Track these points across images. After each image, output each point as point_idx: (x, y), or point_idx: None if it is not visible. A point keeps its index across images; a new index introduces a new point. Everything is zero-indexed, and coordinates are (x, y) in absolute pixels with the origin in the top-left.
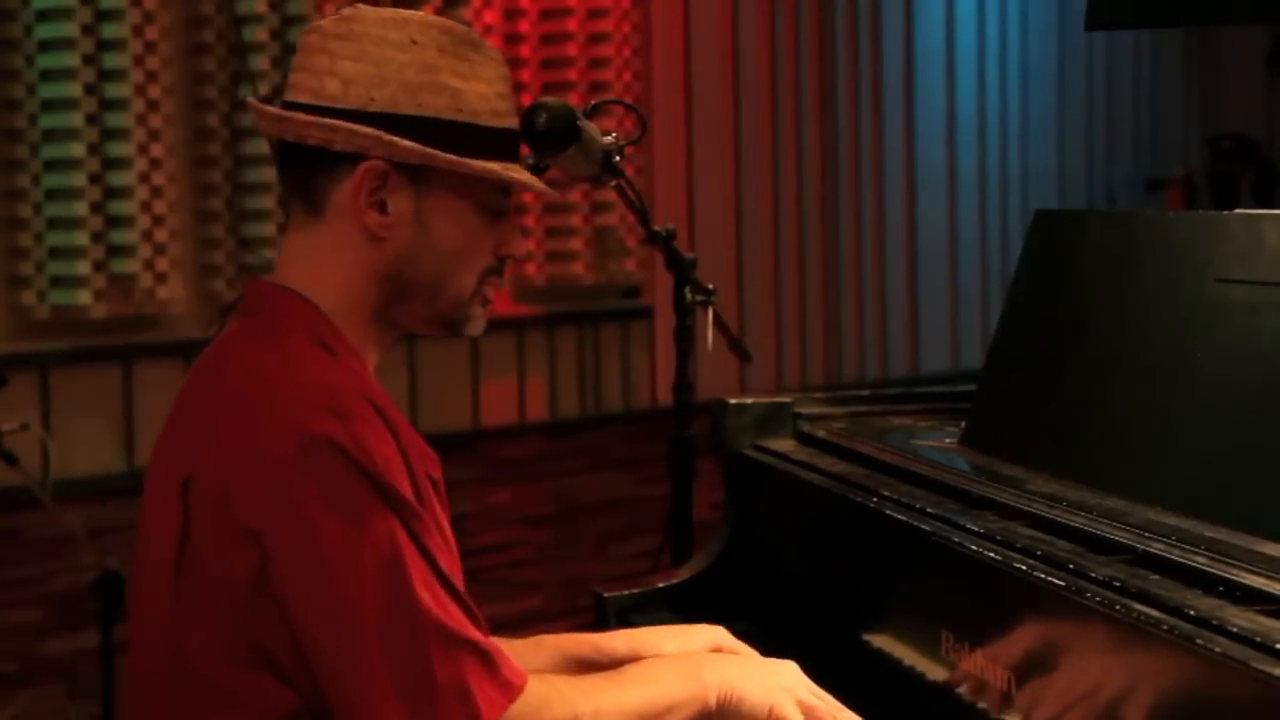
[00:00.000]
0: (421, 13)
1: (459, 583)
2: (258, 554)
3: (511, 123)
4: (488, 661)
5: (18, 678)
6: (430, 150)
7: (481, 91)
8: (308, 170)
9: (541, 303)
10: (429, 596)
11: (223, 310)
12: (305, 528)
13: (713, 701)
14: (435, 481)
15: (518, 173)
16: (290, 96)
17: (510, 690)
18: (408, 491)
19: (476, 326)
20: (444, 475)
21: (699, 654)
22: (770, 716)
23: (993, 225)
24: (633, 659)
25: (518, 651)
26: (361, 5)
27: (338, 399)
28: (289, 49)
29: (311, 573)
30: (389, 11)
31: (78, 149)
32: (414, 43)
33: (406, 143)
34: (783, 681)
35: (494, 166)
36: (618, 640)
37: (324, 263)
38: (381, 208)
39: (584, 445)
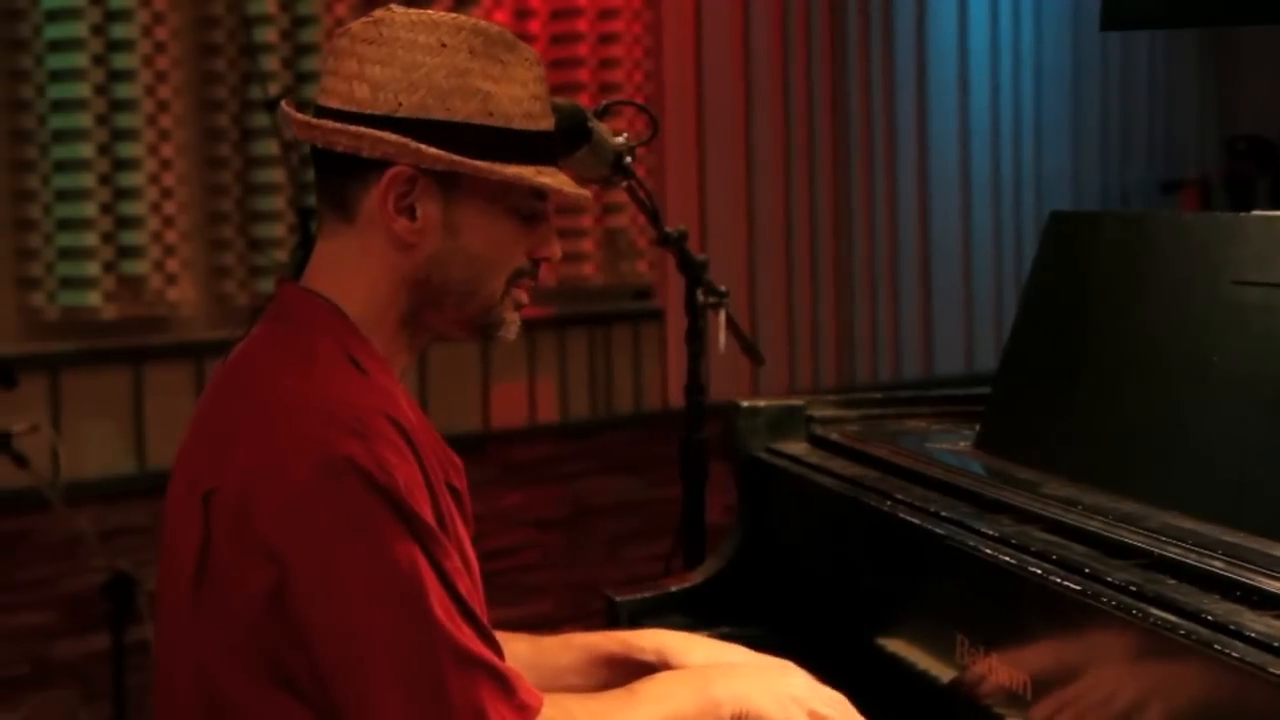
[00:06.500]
0: (454, 14)
1: (477, 605)
2: (275, 572)
3: (545, 124)
4: (504, 683)
5: (29, 680)
6: (457, 157)
7: (514, 94)
8: (339, 177)
9: (552, 304)
10: (446, 619)
11: (251, 312)
12: (324, 548)
13: (726, 717)
14: (458, 492)
15: (550, 176)
16: (321, 101)
17: (526, 713)
18: (428, 514)
19: (510, 330)
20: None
21: (710, 668)
22: None
23: (1006, 227)
24: (660, 659)
25: (546, 650)
26: (394, 6)
27: (362, 419)
28: (299, 50)
29: (329, 593)
30: (420, 14)
31: (87, 150)
32: (444, 46)
33: (433, 149)
34: (795, 693)
35: (526, 171)
36: (646, 639)
37: (354, 268)
38: (410, 214)
39: (595, 448)
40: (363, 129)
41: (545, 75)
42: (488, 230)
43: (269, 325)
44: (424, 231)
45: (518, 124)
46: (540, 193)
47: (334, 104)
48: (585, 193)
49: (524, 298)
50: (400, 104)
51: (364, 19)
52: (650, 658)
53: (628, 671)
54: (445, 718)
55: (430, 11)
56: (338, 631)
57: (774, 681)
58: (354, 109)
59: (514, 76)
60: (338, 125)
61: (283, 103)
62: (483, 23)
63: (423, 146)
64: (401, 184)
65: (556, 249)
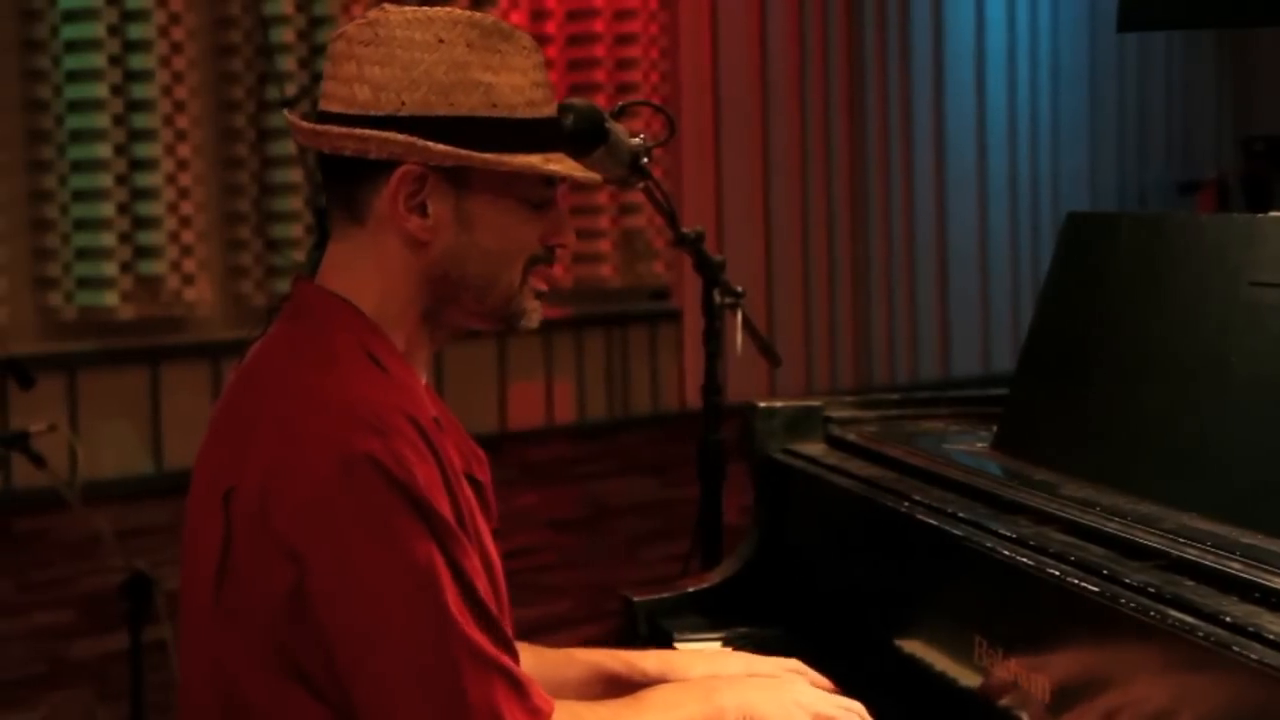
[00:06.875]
0: (448, 9)
1: (499, 603)
2: (295, 570)
3: (549, 111)
4: (518, 686)
5: (47, 679)
6: (465, 151)
7: (515, 83)
8: (348, 180)
9: (569, 305)
10: (462, 618)
11: (267, 311)
12: (342, 547)
13: None
14: (480, 485)
15: (558, 163)
16: (324, 106)
17: (539, 717)
18: (447, 512)
19: (533, 319)
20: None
21: (717, 677)
22: None
23: (1023, 227)
24: (663, 679)
25: (549, 662)
26: (388, 6)
27: (381, 416)
28: (316, 50)
29: (347, 592)
30: (414, 11)
31: (104, 150)
32: (441, 41)
33: (440, 146)
34: (800, 699)
35: (533, 159)
36: (649, 660)
37: (369, 269)
38: (422, 211)
39: (612, 448)
40: (368, 131)
41: (544, 62)
42: (500, 221)
43: (286, 324)
44: (437, 228)
45: (521, 113)
46: (550, 179)
47: (336, 108)
48: (595, 176)
49: (543, 286)
50: (403, 103)
51: (358, 21)
52: (653, 675)
53: (628, 691)
54: (461, 717)
55: (423, 8)
56: (355, 629)
57: (779, 689)
58: (357, 112)
59: (513, 65)
60: (343, 130)
61: (285, 112)
62: (477, 15)
63: (430, 144)
64: (411, 182)
65: (570, 234)
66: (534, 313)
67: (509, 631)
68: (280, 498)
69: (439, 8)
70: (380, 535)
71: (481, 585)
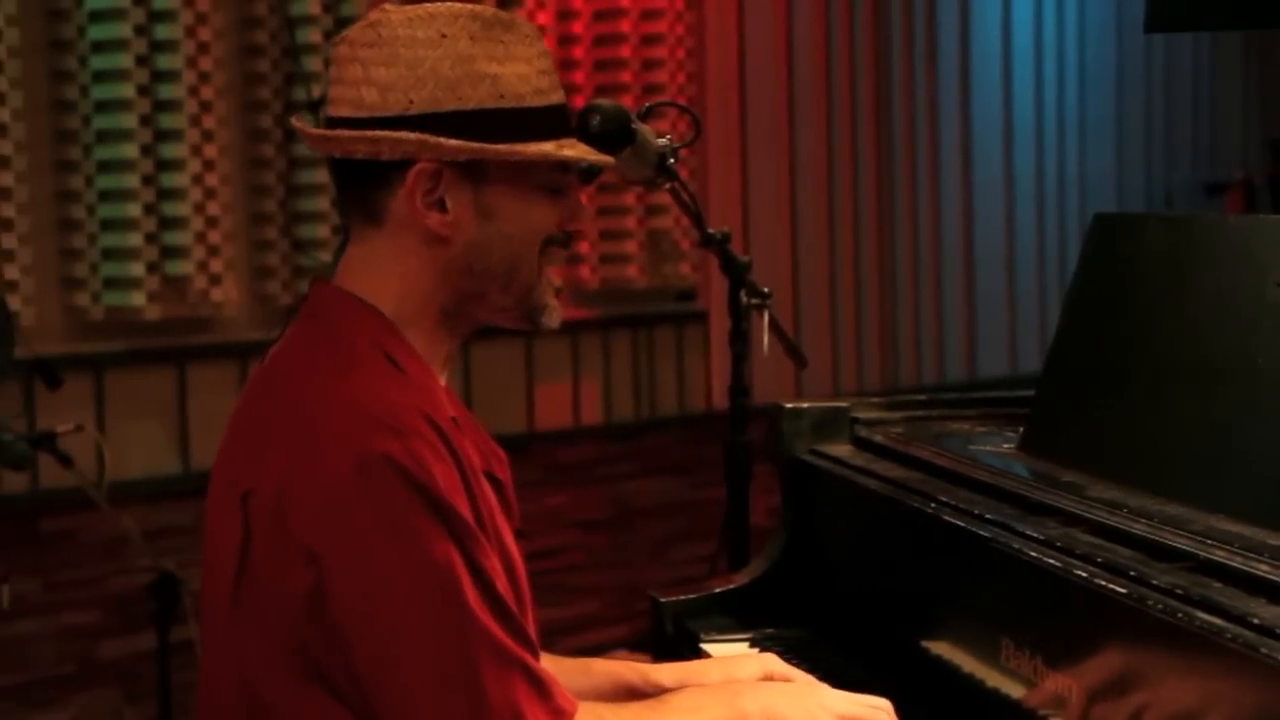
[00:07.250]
0: (447, 4)
1: (521, 603)
2: (314, 572)
3: (557, 98)
4: (540, 686)
5: (75, 680)
6: (478, 145)
7: (521, 72)
8: (362, 183)
9: (596, 306)
10: (484, 618)
11: (286, 312)
12: (361, 549)
13: None
14: (501, 484)
15: (571, 148)
16: (331, 111)
17: (562, 717)
18: (466, 512)
19: (553, 317)
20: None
21: (739, 682)
22: None
23: (1050, 229)
24: (679, 688)
25: (566, 672)
26: (388, 6)
27: (399, 417)
28: None
29: (366, 591)
30: (414, 9)
31: (131, 150)
32: (444, 36)
33: (452, 141)
34: (823, 702)
35: (546, 147)
36: (664, 672)
37: (388, 269)
38: (441, 207)
39: (639, 449)
40: (379, 132)
41: (547, 50)
42: (519, 209)
43: (304, 325)
44: (458, 223)
45: (530, 101)
46: (564, 166)
47: (345, 112)
48: (608, 158)
49: (557, 279)
50: (411, 101)
51: (359, 23)
52: (669, 688)
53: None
54: (482, 717)
55: (423, 4)
56: (375, 629)
57: (803, 693)
58: (366, 114)
59: (517, 55)
60: (353, 133)
61: (293, 119)
62: (477, 7)
63: (442, 140)
64: (427, 180)
65: (586, 220)
66: (554, 310)
67: (531, 632)
68: (298, 499)
69: (438, 3)
70: (399, 536)
71: (501, 585)
